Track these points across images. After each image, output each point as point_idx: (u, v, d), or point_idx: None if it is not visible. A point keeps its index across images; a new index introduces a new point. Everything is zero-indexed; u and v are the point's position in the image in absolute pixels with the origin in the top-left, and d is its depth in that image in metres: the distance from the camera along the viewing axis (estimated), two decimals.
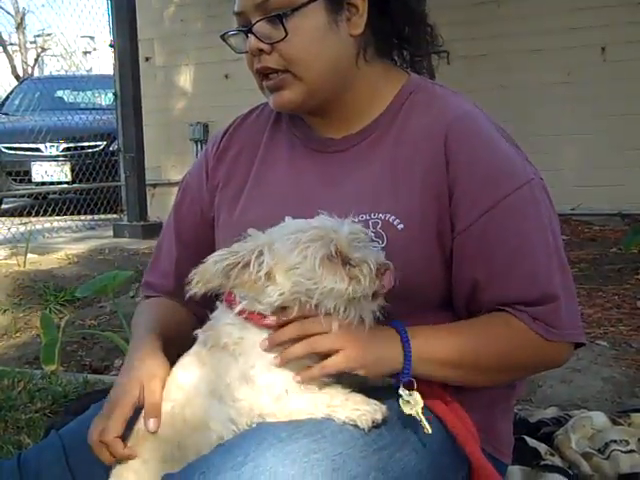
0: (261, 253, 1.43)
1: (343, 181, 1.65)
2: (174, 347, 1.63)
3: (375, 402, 1.43)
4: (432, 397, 1.55)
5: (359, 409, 1.42)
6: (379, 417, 1.42)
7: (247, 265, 1.43)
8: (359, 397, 1.44)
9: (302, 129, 1.75)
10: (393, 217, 1.56)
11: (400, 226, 1.56)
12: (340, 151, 1.68)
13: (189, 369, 1.52)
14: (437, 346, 1.51)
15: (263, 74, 1.64)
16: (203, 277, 1.44)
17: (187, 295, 1.46)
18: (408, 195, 1.57)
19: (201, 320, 1.61)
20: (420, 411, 1.45)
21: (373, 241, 1.49)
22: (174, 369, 1.56)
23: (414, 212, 1.56)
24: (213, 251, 1.74)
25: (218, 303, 1.53)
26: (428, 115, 1.63)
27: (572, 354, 1.62)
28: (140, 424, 1.52)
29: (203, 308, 1.67)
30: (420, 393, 1.54)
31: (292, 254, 1.41)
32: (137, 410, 1.54)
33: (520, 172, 1.58)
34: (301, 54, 1.59)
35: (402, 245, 1.55)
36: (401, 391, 1.46)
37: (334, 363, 1.43)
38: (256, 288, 1.43)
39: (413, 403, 1.45)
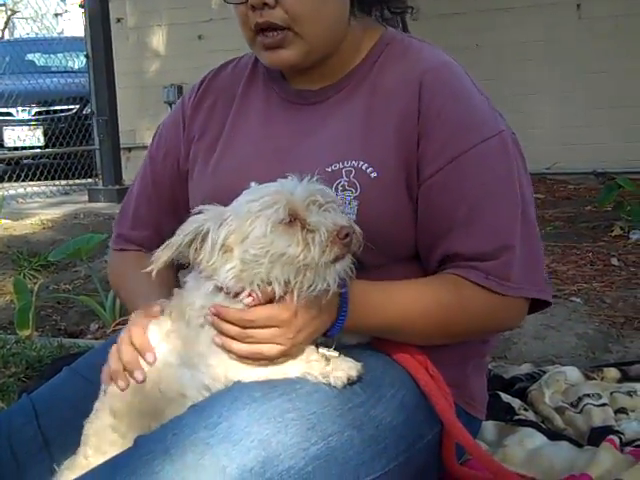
0: (218, 226, 1.39)
1: (318, 131, 1.63)
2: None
3: (350, 359, 1.43)
4: (404, 354, 1.55)
5: (333, 366, 1.41)
6: (354, 374, 1.41)
7: (204, 241, 1.40)
8: (334, 354, 1.44)
9: (278, 81, 1.73)
10: (366, 165, 1.55)
11: (373, 174, 1.55)
12: (316, 102, 1.67)
13: (156, 343, 1.50)
14: (371, 316, 1.51)
15: (261, 30, 1.59)
16: (162, 256, 1.41)
17: (151, 270, 1.44)
18: (382, 143, 1.56)
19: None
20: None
21: (337, 201, 1.44)
22: None
23: (387, 160, 1.55)
24: (187, 204, 1.74)
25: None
26: (403, 65, 1.62)
27: (526, 313, 1.59)
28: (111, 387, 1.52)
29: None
30: (390, 350, 1.56)
31: (245, 224, 1.38)
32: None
33: (491, 124, 1.57)
34: (307, 10, 1.55)
35: (375, 194, 1.54)
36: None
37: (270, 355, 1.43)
38: (213, 267, 1.40)
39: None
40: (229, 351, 1.41)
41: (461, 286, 1.52)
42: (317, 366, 1.42)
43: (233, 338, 1.41)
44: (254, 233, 1.36)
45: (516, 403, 2.17)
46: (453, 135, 1.54)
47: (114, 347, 1.54)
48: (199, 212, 1.44)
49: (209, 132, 1.76)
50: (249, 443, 1.31)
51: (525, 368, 2.53)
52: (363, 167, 1.55)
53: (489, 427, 2.01)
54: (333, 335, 1.47)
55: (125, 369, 1.50)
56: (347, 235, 1.35)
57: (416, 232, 1.57)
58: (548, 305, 1.61)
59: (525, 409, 2.15)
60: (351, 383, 1.42)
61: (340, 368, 1.41)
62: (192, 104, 1.81)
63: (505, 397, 2.19)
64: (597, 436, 1.91)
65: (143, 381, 1.48)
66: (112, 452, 1.43)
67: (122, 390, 1.49)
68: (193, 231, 1.40)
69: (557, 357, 2.90)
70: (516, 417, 2.09)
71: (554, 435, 1.97)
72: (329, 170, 1.56)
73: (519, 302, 1.55)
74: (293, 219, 1.36)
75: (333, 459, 1.38)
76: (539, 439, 1.93)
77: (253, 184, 1.49)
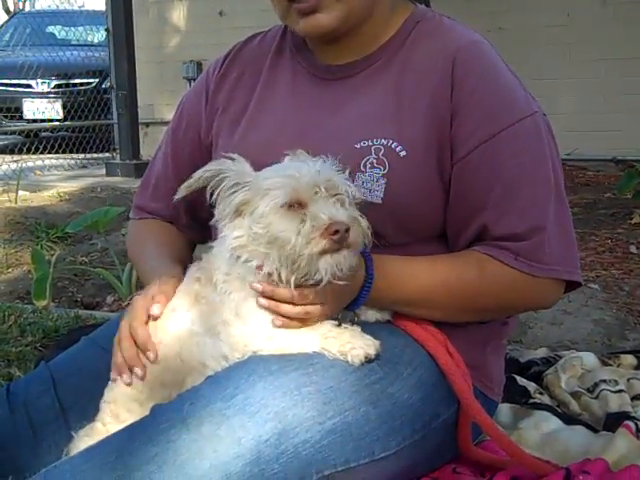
0: (242, 186, 1.41)
1: (345, 108, 1.62)
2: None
3: (369, 337, 1.43)
4: (424, 332, 1.55)
5: (352, 343, 1.41)
6: (372, 352, 1.41)
7: (228, 185, 1.41)
8: (353, 331, 1.43)
9: (306, 56, 1.71)
10: (395, 143, 1.54)
11: (402, 153, 1.54)
12: (344, 78, 1.66)
13: (181, 311, 1.50)
14: (394, 287, 1.51)
15: None
16: (190, 182, 1.44)
17: (174, 199, 1.47)
18: (411, 122, 1.55)
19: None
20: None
21: (349, 192, 1.42)
22: (166, 311, 1.52)
23: (417, 139, 1.54)
24: None
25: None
26: (435, 42, 1.60)
27: (561, 294, 1.60)
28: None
29: (200, 236, 1.69)
30: (410, 328, 1.55)
31: (256, 198, 1.39)
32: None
33: (523, 105, 1.57)
34: None
35: (403, 172, 1.53)
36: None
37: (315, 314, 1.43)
38: (226, 212, 1.42)
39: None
40: (276, 313, 1.40)
41: (486, 264, 1.52)
42: (334, 343, 1.41)
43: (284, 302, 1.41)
44: (258, 210, 1.37)
45: (532, 387, 2.16)
46: (487, 115, 1.53)
47: (116, 339, 1.54)
48: (230, 158, 1.44)
49: (234, 105, 1.75)
50: (265, 415, 1.32)
51: (541, 352, 2.52)
52: (392, 145, 1.54)
53: (504, 410, 2.00)
54: (357, 307, 1.47)
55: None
56: (337, 232, 1.33)
57: (447, 212, 1.57)
58: (580, 285, 1.61)
59: (540, 393, 2.14)
60: (369, 361, 1.41)
61: (358, 346, 1.41)
62: (217, 77, 1.80)
63: (521, 380, 2.18)
64: (613, 422, 1.90)
65: (143, 377, 1.49)
66: (130, 420, 1.44)
67: (128, 385, 1.50)
68: (215, 171, 1.42)
69: (573, 343, 2.88)
70: (531, 400, 2.08)
71: (570, 419, 1.96)
72: (357, 147, 1.55)
73: (551, 283, 1.55)
74: (297, 205, 1.36)
75: (348, 434, 1.39)
76: (554, 423, 1.92)
77: (287, 159, 1.48)
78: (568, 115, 7.17)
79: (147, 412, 1.39)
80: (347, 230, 1.33)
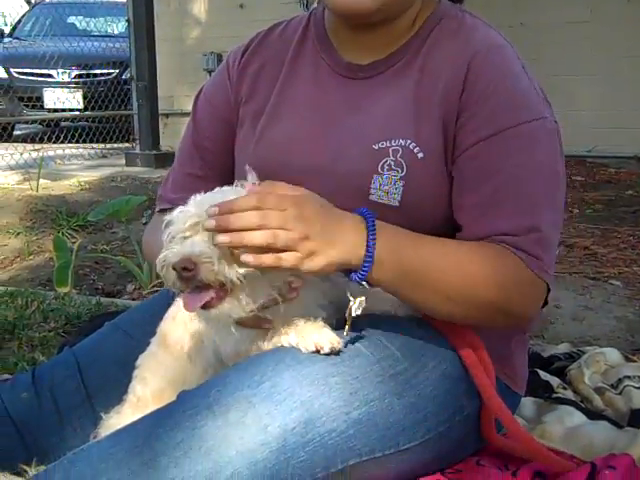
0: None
1: (367, 107, 1.60)
2: None
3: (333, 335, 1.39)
4: (448, 327, 1.53)
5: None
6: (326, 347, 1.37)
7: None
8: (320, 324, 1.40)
9: (329, 52, 1.69)
10: (414, 144, 1.52)
11: (420, 155, 1.52)
12: (366, 78, 1.63)
13: None
14: (404, 251, 1.40)
15: None
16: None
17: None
18: (428, 123, 1.53)
19: None
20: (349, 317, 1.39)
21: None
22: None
23: (432, 141, 1.52)
24: (232, 167, 1.72)
25: None
26: (454, 44, 1.57)
27: (539, 306, 1.51)
28: None
29: None
30: (435, 320, 1.52)
31: None
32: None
33: (534, 108, 1.52)
34: None
35: (420, 175, 1.52)
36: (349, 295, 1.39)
37: (288, 260, 1.30)
38: None
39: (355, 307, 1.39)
40: (241, 245, 1.27)
41: (495, 250, 1.46)
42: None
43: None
44: None
45: (555, 381, 2.15)
46: (494, 112, 1.49)
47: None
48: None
49: (256, 97, 1.73)
50: (292, 404, 1.32)
51: (563, 347, 2.51)
52: (411, 146, 1.53)
53: (528, 404, 1.99)
54: (363, 277, 1.38)
55: None
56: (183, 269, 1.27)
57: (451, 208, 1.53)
58: (545, 305, 1.54)
59: (564, 388, 2.13)
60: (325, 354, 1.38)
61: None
62: (238, 68, 1.77)
63: (544, 375, 2.17)
64: (638, 418, 1.89)
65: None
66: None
67: None
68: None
69: (595, 339, 2.86)
70: (554, 395, 2.07)
71: (594, 414, 1.95)
72: (375, 148, 1.54)
73: (541, 284, 1.48)
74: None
75: (374, 424, 1.38)
76: (578, 417, 1.91)
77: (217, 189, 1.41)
78: (589, 112, 7.14)
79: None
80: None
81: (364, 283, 1.37)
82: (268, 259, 1.27)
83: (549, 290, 1.50)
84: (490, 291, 1.43)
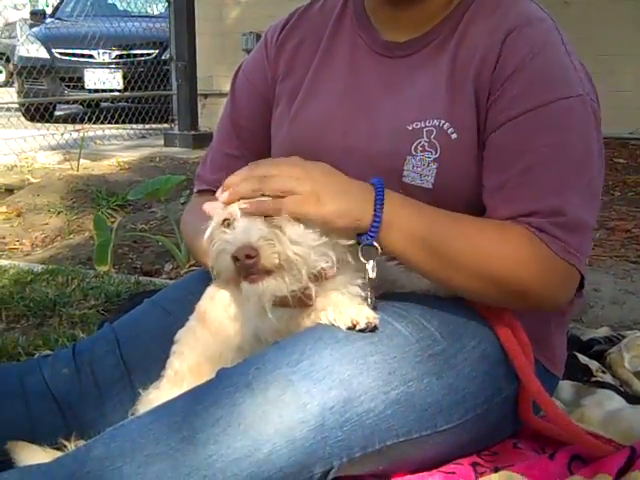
0: None
1: (402, 87, 1.59)
2: None
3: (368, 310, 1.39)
4: (486, 308, 1.51)
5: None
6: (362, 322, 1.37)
7: None
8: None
9: (367, 30, 1.68)
10: (448, 124, 1.51)
11: (454, 135, 1.50)
12: (403, 56, 1.62)
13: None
14: (413, 216, 1.41)
15: None
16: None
17: None
18: (462, 102, 1.51)
19: None
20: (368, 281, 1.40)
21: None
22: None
23: (466, 120, 1.50)
24: (269, 147, 1.72)
25: None
26: (492, 19, 1.54)
27: (572, 293, 1.48)
28: None
29: None
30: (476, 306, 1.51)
31: None
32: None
33: (571, 85, 1.48)
34: None
35: (454, 156, 1.50)
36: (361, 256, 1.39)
37: (289, 203, 1.34)
38: None
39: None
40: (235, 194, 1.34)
41: (507, 227, 1.44)
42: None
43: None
44: None
45: (594, 365, 2.13)
46: (525, 89, 1.46)
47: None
48: None
49: (293, 74, 1.73)
50: (330, 382, 1.32)
51: (603, 331, 2.48)
52: (444, 127, 1.51)
53: (566, 387, 1.98)
54: (373, 237, 1.38)
55: None
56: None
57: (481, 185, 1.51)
58: (582, 288, 1.52)
59: (603, 372, 2.11)
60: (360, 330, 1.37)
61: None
62: (276, 44, 1.77)
63: (583, 358, 2.15)
64: None
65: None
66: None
67: None
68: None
69: (635, 323, 2.82)
70: (594, 379, 2.06)
71: (633, 399, 1.93)
72: (410, 128, 1.53)
73: (568, 270, 1.44)
74: None
75: (411, 405, 1.38)
76: (618, 401, 1.89)
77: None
78: (634, 92, 7.02)
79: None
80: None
81: (375, 244, 1.38)
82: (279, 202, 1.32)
83: (582, 274, 1.47)
84: (505, 268, 1.41)
